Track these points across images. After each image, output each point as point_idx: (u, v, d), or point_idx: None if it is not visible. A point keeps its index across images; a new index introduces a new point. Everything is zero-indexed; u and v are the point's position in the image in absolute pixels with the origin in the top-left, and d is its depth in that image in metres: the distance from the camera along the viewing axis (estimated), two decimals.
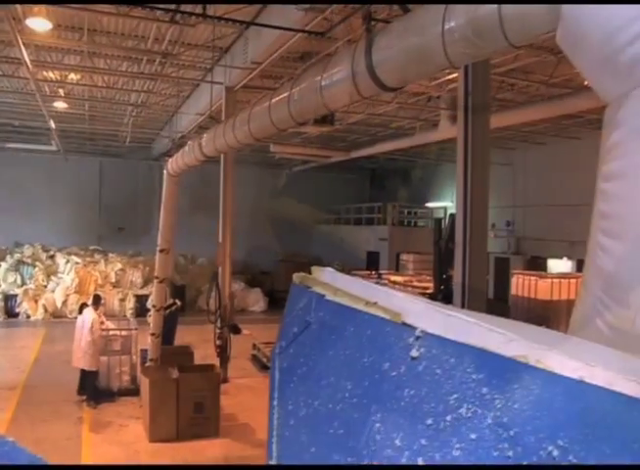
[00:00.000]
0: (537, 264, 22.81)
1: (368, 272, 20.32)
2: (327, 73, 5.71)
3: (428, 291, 11.37)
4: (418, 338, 1.86)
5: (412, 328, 1.93)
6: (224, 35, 13.65)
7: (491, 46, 3.69)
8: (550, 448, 1.31)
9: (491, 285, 23.72)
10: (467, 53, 3.91)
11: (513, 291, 18.84)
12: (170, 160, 12.36)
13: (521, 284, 18.38)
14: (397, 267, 24.07)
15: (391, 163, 31.51)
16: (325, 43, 12.73)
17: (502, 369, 1.54)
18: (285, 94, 6.90)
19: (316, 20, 10.49)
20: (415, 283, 16.31)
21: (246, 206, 26.48)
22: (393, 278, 18.10)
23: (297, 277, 3.00)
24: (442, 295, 8.85)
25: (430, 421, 1.67)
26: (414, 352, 1.84)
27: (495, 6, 3.48)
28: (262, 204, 31.90)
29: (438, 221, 10.48)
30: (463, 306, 7.26)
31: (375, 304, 2.23)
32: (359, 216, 31.02)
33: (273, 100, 7.30)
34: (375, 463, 1.80)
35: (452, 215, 8.47)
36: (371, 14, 5.07)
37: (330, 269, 2.89)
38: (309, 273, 2.93)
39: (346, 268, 24.44)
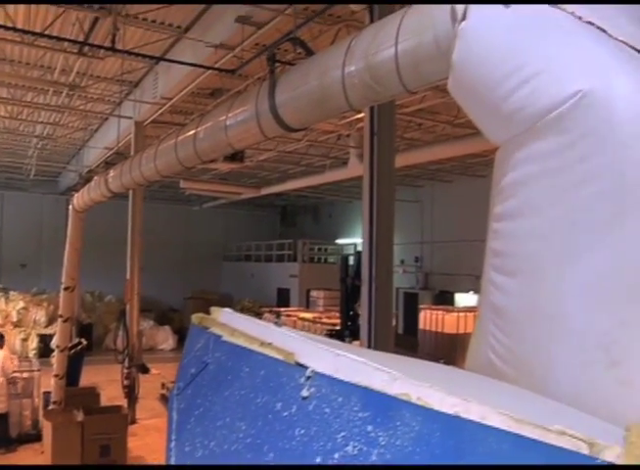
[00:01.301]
0: (445, 299, 23.38)
1: (269, 309, 20.26)
2: (232, 113, 5.76)
3: (336, 327, 11.47)
4: (308, 378, 1.89)
5: (304, 368, 1.96)
6: (134, 69, 13.54)
7: (389, 91, 3.83)
8: None
9: (401, 320, 24.12)
10: (366, 97, 4.03)
11: (421, 325, 19.22)
12: (76, 195, 12.06)
13: (428, 318, 18.78)
14: (308, 304, 24.15)
15: (302, 199, 31.81)
16: (236, 80, 12.83)
17: (386, 407, 1.59)
18: (191, 132, 6.90)
19: (227, 57, 10.58)
20: (324, 320, 16.37)
21: (155, 242, 26.05)
22: (302, 315, 18.12)
23: (195, 318, 3.00)
24: (349, 331, 8.94)
25: (318, 460, 1.69)
26: (305, 392, 1.88)
27: (392, 52, 3.62)
28: (172, 240, 31.48)
29: (345, 259, 10.61)
30: (369, 342, 7.35)
31: (270, 344, 2.26)
32: (270, 253, 31.02)
33: (179, 137, 7.28)
34: None
35: (358, 253, 8.61)
36: (275, 55, 5.17)
37: (228, 310, 2.90)
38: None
39: (257, 305, 24.38)
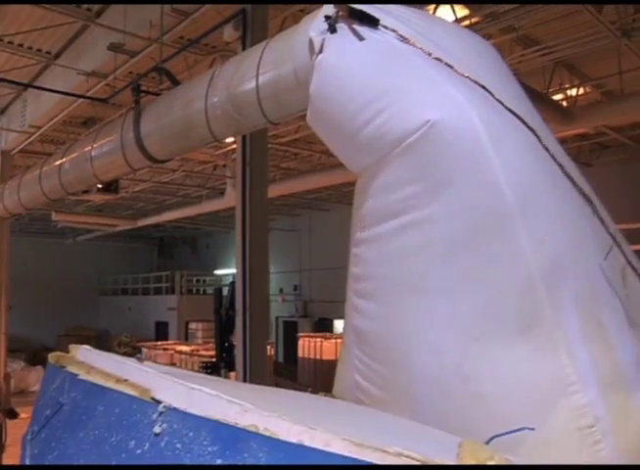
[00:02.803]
0: (325, 326, 23.57)
1: (153, 344, 19.71)
2: (97, 143, 5.63)
3: (212, 359, 11.31)
4: (161, 413, 1.86)
5: (158, 404, 1.92)
6: (0, 95, 12.94)
7: (251, 122, 3.87)
8: None
9: (281, 349, 24.09)
10: (229, 128, 4.05)
11: (300, 353, 19.27)
12: None
13: (307, 346, 18.88)
14: (187, 337, 23.68)
15: (180, 230, 31.32)
16: (109, 109, 12.52)
17: (235, 440, 1.58)
18: (56, 163, 6.68)
19: (99, 85, 10.32)
20: (202, 352, 16.11)
21: (25, 277, 24.78)
22: (179, 348, 17.75)
23: (52, 357, 2.88)
24: (225, 363, 8.85)
25: None
26: (157, 429, 1.84)
27: (254, 83, 3.67)
28: (44, 275, 30.06)
29: (218, 290, 10.51)
30: (245, 373, 7.29)
31: (126, 381, 2.20)
32: (147, 286, 30.23)
33: (44, 168, 7.03)
34: None
35: (232, 283, 8.56)
36: (140, 85, 5.11)
37: (86, 347, 2.81)
38: (95, 347, 2.85)
39: (134, 340, 23.64)
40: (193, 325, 23.74)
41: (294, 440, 1.45)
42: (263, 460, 1.47)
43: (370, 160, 2.62)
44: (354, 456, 1.32)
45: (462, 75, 2.57)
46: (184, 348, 17.78)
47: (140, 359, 2.85)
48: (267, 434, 1.52)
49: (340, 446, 1.38)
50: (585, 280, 2.28)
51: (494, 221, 2.26)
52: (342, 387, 2.87)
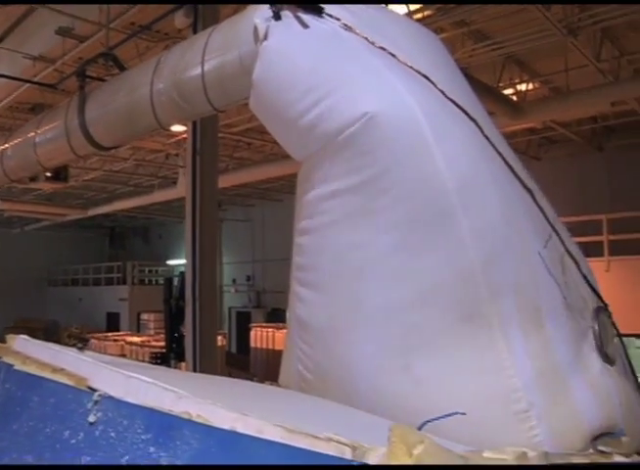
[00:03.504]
0: (278, 316, 23.51)
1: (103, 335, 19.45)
2: (41, 129, 5.51)
3: (163, 350, 11.20)
4: (96, 402, 1.83)
5: (94, 393, 1.89)
6: None
7: (197, 109, 3.82)
8: None
9: (234, 339, 23.99)
10: (175, 115, 4.00)
11: (252, 343, 19.25)
12: None
13: (259, 336, 18.88)
14: (138, 327, 23.41)
15: (131, 220, 30.88)
16: (58, 95, 12.24)
17: (168, 427, 1.56)
18: None
19: (47, 70, 10.08)
20: (153, 342, 15.95)
21: None
22: (130, 339, 17.55)
23: None
24: (175, 353, 8.78)
25: None
26: (91, 418, 1.81)
27: (199, 71, 3.62)
28: None
29: (168, 280, 10.40)
30: (195, 363, 7.25)
31: (62, 370, 2.16)
32: (98, 276, 29.75)
33: None
34: None
35: (182, 273, 8.49)
36: (85, 71, 5.00)
37: (23, 337, 2.75)
38: (44, 339, 2.79)
39: (85, 331, 23.27)
40: (145, 316, 23.48)
41: (226, 426, 1.44)
42: (195, 447, 1.46)
43: (311, 148, 2.61)
44: (286, 442, 1.32)
45: (405, 65, 2.58)
46: (135, 339, 17.58)
47: (80, 349, 2.80)
48: (200, 421, 1.51)
49: (272, 433, 1.38)
50: (524, 268, 2.31)
51: (435, 212, 2.28)
52: (287, 376, 2.88)
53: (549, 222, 2.53)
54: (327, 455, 1.24)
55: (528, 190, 2.51)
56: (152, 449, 1.55)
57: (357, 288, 2.39)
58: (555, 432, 2.13)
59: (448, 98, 2.43)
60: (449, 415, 1.57)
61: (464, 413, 1.62)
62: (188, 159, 8.81)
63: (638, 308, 11.31)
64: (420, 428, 1.44)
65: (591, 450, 2.18)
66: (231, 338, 24.25)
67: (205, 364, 7.23)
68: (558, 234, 2.55)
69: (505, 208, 2.38)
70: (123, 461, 1.61)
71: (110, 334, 19.91)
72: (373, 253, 2.35)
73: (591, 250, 14.02)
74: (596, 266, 13.00)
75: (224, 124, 15.45)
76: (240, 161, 18.77)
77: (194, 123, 8.53)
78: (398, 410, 2.07)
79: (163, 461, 1.50)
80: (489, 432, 2.04)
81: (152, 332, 20.84)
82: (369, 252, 2.35)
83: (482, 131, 2.46)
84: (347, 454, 1.24)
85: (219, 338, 16.75)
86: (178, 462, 1.46)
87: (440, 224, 2.26)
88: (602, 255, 13.75)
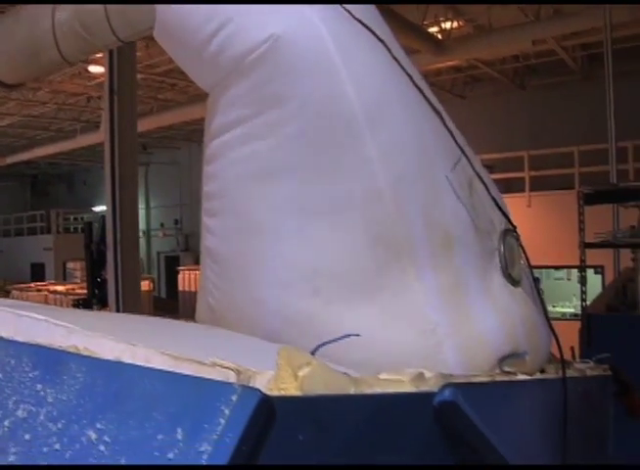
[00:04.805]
0: None
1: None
2: None
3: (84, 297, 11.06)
4: None
5: None
6: None
7: (101, 41, 3.63)
8: (90, 433, 1.31)
9: (163, 284, 23.82)
10: (79, 48, 3.81)
11: (180, 287, 19.16)
12: None
13: (187, 279, 18.79)
14: (64, 277, 22.93)
15: (54, 167, 29.96)
16: None
17: (55, 362, 1.50)
18: None
19: None
20: (78, 290, 15.65)
21: None
22: (53, 288, 17.21)
23: None
24: (97, 299, 8.66)
25: None
26: None
27: None
28: None
29: (88, 224, 10.20)
30: (118, 309, 7.16)
31: None
32: (21, 226, 28.83)
33: None
34: None
35: (102, 217, 8.30)
36: None
37: None
38: None
39: (7, 283, 22.64)
40: (71, 264, 22.98)
41: (112, 357, 1.39)
42: (81, 381, 1.41)
43: (217, 76, 2.52)
44: (171, 370, 1.28)
45: None
46: (59, 287, 17.23)
47: None
48: (86, 354, 1.45)
49: (159, 361, 1.34)
50: (431, 190, 2.30)
51: (342, 132, 2.23)
52: (200, 311, 2.83)
53: (458, 145, 2.51)
54: (211, 381, 1.21)
55: (437, 112, 2.48)
56: (39, 387, 1.49)
57: (263, 211, 2.34)
58: (462, 352, 2.15)
59: (356, 19, 2.36)
60: (343, 338, 1.56)
61: (358, 335, 1.61)
62: (105, 99, 8.52)
63: (557, 242, 11.70)
64: (314, 352, 1.42)
65: (497, 371, 2.22)
66: (160, 283, 24.07)
67: (129, 309, 7.15)
68: (467, 157, 2.54)
69: (414, 129, 2.35)
70: (11, 403, 1.54)
71: (33, 284, 19.43)
72: (276, 176, 2.30)
73: (513, 186, 14.40)
74: (518, 202, 13.47)
75: (147, 65, 15.00)
76: (164, 102, 18.37)
77: (110, 61, 8.22)
78: (307, 335, 2.05)
79: (50, 399, 1.45)
80: (396, 353, 2.05)
81: (78, 280, 20.45)
82: (273, 176, 2.30)
83: (390, 52, 2.41)
84: (232, 379, 1.22)
85: (146, 283, 16.60)
86: (64, 398, 1.41)
87: (348, 145, 2.22)
88: (524, 190, 14.11)
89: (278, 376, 1.24)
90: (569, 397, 2.16)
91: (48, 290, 16.96)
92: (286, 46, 2.26)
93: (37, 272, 25.11)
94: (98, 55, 11.23)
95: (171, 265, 22.96)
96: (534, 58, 14.96)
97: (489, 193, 2.54)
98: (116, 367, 1.36)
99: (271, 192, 2.29)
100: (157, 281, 23.60)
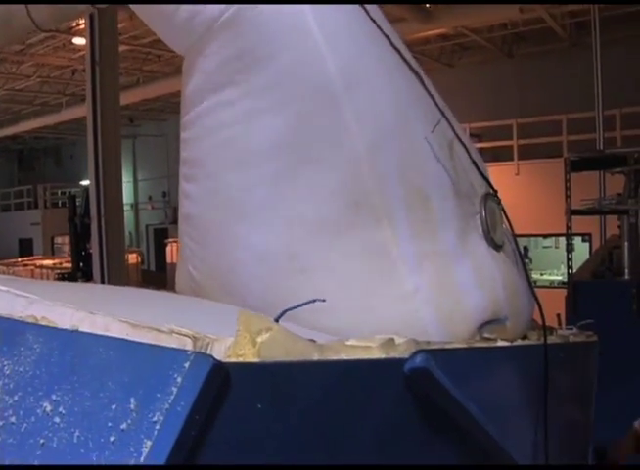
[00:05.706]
0: None
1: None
2: None
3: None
4: None
5: None
6: None
7: (73, 7, 3.55)
8: (45, 405, 1.27)
9: (152, 257, 23.71)
10: (51, 13, 3.70)
11: (168, 260, 19.06)
12: None
13: (175, 251, 18.70)
14: (53, 251, 22.82)
15: (41, 141, 29.66)
16: None
17: (13, 333, 1.45)
18: None
19: None
20: (65, 264, 15.57)
21: None
22: (40, 263, 17.14)
23: None
24: (82, 272, 8.59)
25: None
26: None
27: None
28: None
29: (72, 198, 10.10)
30: (103, 281, 7.11)
31: None
32: (7, 202, 28.58)
33: None
34: None
35: (86, 190, 8.22)
36: None
37: None
38: None
39: None
40: (59, 239, 22.86)
41: (69, 326, 1.34)
42: (38, 351, 1.36)
43: (191, 39, 2.44)
44: (128, 338, 1.23)
45: None
46: (47, 262, 17.16)
47: None
48: (44, 323, 1.40)
49: (117, 329, 1.29)
50: (410, 152, 2.24)
51: (317, 95, 2.16)
52: (181, 281, 2.78)
53: (438, 107, 2.44)
54: (165, 348, 1.16)
55: (417, 74, 2.41)
56: None
57: (240, 177, 2.28)
58: (441, 318, 2.11)
59: None
60: (309, 302, 1.50)
61: (323, 300, 1.56)
62: (87, 69, 8.38)
63: (545, 210, 11.67)
64: (278, 318, 1.36)
65: (477, 338, 2.18)
66: (149, 256, 23.98)
67: (114, 282, 7.09)
68: (447, 120, 2.48)
69: (392, 90, 2.28)
70: None
71: (19, 259, 19.32)
72: (254, 140, 2.23)
73: (502, 154, 14.35)
74: (506, 170, 13.42)
75: (131, 36, 14.77)
76: (150, 74, 18.15)
77: (91, 31, 8.06)
78: (283, 302, 2.00)
79: (7, 370, 1.40)
80: (374, 319, 2.01)
81: (66, 254, 20.35)
82: (249, 139, 2.23)
83: (368, 13, 2.33)
84: (188, 346, 1.17)
85: (134, 256, 16.53)
86: (21, 369, 1.36)
87: (324, 108, 2.15)
88: (512, 159, 14.05)
89: (236, 342, 1.19)
90: (550, 363, 2.12)
91: (35, 265, 16.88)
92: (256, 6, 2.19)
93: (25, 248, 24.96)
94: (82, 26, 11.05)
95: (160, 238, 22.84)
96: (522, 26, 14.81)
97: (470, 156, 2.48)
98: (73, 337, 1.31)
99: (247, 160, 2.24)
100: (146, 254, 23.53)
